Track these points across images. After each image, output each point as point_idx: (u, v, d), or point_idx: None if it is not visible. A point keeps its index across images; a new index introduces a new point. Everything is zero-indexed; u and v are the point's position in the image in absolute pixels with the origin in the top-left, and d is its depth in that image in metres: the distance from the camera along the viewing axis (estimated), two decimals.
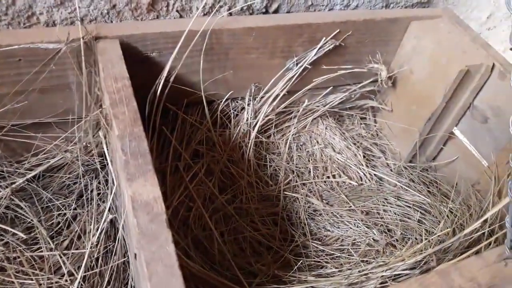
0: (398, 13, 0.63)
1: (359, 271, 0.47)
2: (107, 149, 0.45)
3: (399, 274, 0.46)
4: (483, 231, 0.46)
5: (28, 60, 0.44)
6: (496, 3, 0.74)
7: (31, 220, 0.48)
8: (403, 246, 0.53)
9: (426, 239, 0.51)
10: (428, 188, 0.64)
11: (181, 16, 0.55)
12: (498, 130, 0.57)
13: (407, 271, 0.46)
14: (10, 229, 0.46)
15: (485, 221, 0.48)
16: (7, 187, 0.48)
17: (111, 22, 0.52)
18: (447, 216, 0.56)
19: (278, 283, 0.46)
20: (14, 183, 0.49)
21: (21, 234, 0.46)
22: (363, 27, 0.60)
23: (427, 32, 0.61)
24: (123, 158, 0.36)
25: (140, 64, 0.50)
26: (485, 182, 0.59)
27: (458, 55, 0.58)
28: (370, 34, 0.61)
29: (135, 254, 0.35)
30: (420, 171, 0.66)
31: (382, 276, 0.45)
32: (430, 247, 0.48)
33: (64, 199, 0.51)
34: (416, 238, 0.55)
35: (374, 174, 0.64)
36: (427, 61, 0.61)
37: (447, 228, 0.52)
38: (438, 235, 0.51)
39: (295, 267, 0.49)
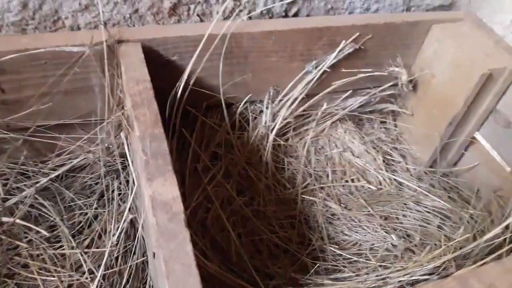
0: (419, 16, 0.62)
1: (376, 276, 0.47)
2: (128, 150, 0.46)
3: (417, 280, 0.46)
4: (504, 237, 0.45)
5: (53, 63, 0.46)
6: None
7: (54, 218, 0.49)
8: (421, 251, 0.52)
9: (445, 244, 0.50)
10: (449, 193, 0.63)
11: (201, 20, 0.56)
12: None
13: (426, 277, 0.45)
14: (34, 227, 0.47)
15: (507, 227, 0.47)
16: (31, 186, 0.50)
17: (134, 26, 0.53)
18: (467, 222, 0.55)
19: (295, 286, 0.46)
20: (38, 182, 0.50)
21: (44, 232, 0.47)
22: (384, 31, 0.59)
23: (449, 35, 0.61)
24: (143, 159, 0.37)
25: (161, 67, 0.51)
26: (507, 188, 0.58)
27: (480, 58, 0.57)
28: (391, 38, 0.61)
29: (154, 253, 0.36)
30: (441, 176, 0.65)
31: (400, 281, 0.45)
32: (449, 252, 0.47)
33: (86, 198, 0.52)
34: (435, 244, 0.54)
35: (394, 179, 0.64)
36: (448, 64, 0.61)
37: (467, 234, 0.51)
38: (458, 241, 0.50)
39: (312, 270, 0.49)
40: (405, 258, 0.52)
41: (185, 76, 0.51)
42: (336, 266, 0.51)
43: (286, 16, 0.60)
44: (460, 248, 0.48)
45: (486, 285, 0.38)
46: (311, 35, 0.56)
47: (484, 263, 0.42)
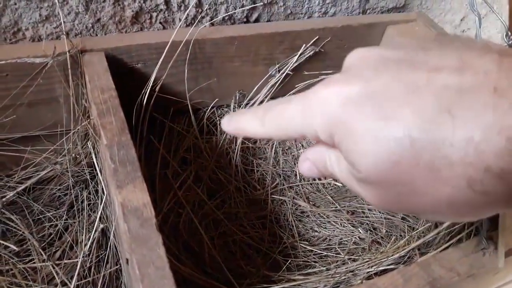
0: (375, 18, 0.65)
1: (346, 268, 0.49)
2: (96, 159, 0.46)
3: (384, 270, 0.48)
4: (463, 224, 0.48)
5: (15, 75, 0.45)
6: (469, 5, 0.77)
7: (23, 232, 0.49)
8: (388, 242, 0.55)
9: (409, 234, 0.53)
10: None
11: (164, 28, 0.57)
12: None
13: (392, 266, 0.48)
14: (2, 242, 0.47)
15: None
16: None
17: (96, 35, 0.53)
18: None
19: (268, 283, 0.47)
20: (4, 196, 0.49)
21: (13, 247, 0.47)
22: (341, 33, 0.62)
23: (403, 35, 0.64)
24: (112, 167, 0.37)
25: (126, 75, 0.52)
26: None
27: None
28: (349, 40, 0.63)
29: (127, 260, 0.36)
30: None
31: (368, 272, 0.47)
32: (413, 242, 0.50)
33: (55, 210, 0.52)
34: (400, 235, 0.56)
35: None
36: None
37: (429, 223, 0.54)
38: (421, 230, 0.53)
39: (284, 267, 0.50)
40: (372, 250, 0.54)
41: (150, 83, 0.51)
42: (307, 261, 0.53)
43: (247, 22, 0.62)
44: (423, 237, 0.51)
45: (447, 269, 0.40)
46: (273, 40, 0.58)
47: (444, 249, 0.45)
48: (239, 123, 0.28)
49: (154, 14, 0.55)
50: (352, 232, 0.57)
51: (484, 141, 0.17)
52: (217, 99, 0.61)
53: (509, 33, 0.36)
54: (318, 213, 0.60)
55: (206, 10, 0.57)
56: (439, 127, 0.17)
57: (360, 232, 0.57)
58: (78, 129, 0.48)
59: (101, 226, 0.48)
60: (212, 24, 0.59)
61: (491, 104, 0.17)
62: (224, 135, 0.62)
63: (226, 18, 0.60)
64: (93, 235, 0.47)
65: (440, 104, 0.18)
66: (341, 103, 0.20)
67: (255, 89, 0.62)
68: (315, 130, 0.22)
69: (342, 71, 0.23)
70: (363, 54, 0.22)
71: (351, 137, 0.20)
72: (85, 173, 0.51)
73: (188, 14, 0.56)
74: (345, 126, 0.20)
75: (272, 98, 0.63)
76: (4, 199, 0.49)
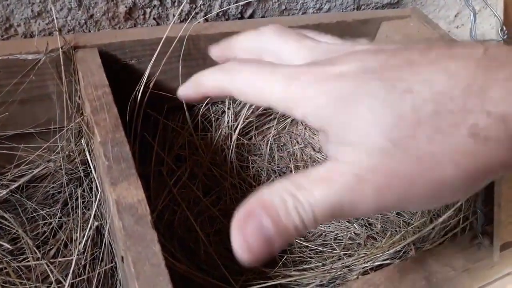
0: (369, 14, 0.65)
1: (341, 264, 0.49)
2: (90, 156, 0.46)
3: (380, 265, 0.48)
4: (458, 218, 0.48)
5: (7, 71, 0.45)
6: (462, 1, 0.78)
7: (17, 230, 0.48)
8: (383, 238, 0.55)
9: (404, 230, 0.53)
10: None
11: (158, 24, 0.56)
12: None
13: (388, 261, 0.48)
14: None
15: (460, 209, 0.50)
16: None
17: (89, 31, 0.53)
18: None
19: (264, 279, 0.47)
20: None
21: (7, 245, 0.46)
22: (336, 29, 0.61)
23: (397, 31, 0.64)
24: (106, 164, 0.37)
25: (120, 72, 0.51)
26: None
27: None
28: (343, 35, 0.63)
29: (122, 257, 0.36)
30: None
31: (364, 267, 0.47)
32: (408, 237, 0.50)
33: (49, 208, 0.51)
34: (395, 230, 0.56)
35: None
36: None
37: (424, 218, 0.54)
38: (416, 225, 0.53)
39: (280, 263, 0.50)
40: (367, 245, 0.54)
41: (144, 79, 0.51)
42: (303, 257, 0.53)
43: (241, 17, 0.61)
44: (419, 232, 0.51)
45: (443, 264, 0.41)
46: None
47: (440, 243, 0.45)
48: (203, 76, 0.27)
49: (148, 10, 0.54)
50: (347, 228, 0.57)
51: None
52: None
53: (504, 28, 0.36)
54: None
55: (200, 5, 0.57)
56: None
57: (356, 228, 0.57)
58: (71, 126, 0.47)
59: (96, 223, 0.47)
60: (206, 20, 0.58)
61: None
62: (219, 131, 0.62)
63: (220, 14, 0.59)
64: (88, 233, 0.47)
65: None
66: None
67: None
68: (298, 116, 0.22)
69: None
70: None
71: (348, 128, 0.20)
72: (79, 171, 0.50)
73: (182, 10, 0.56)
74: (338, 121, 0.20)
75: None
76: None
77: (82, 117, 0.45)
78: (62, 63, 0.45)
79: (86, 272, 0.46)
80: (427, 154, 0.18)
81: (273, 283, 0.46)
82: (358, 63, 0.21)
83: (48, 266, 0.46)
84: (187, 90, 0.27)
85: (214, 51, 0.29)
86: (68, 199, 0.51)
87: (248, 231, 0.19)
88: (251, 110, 0.63)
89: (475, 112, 0.17)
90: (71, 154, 0.50)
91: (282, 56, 0.25)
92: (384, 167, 0.19)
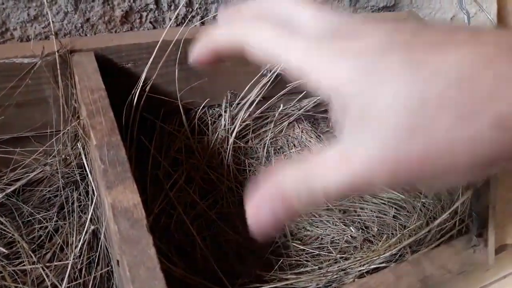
0: (365, 17, 0.65)
1: (338, 267, 0.49)
2: (86, 160, 0.46)
3: (376, 268, 0.48)
4: (454, 221, 0.48)
5: (3, 75, 0.45)
6: (458, 5, 0.78)
7: (12, 234, 0.48)
8: (379, 241, 0.55)
9: (400, 233, 0.53)
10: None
11: (154, 27, 0.56)
12: None
13: (384, 264, 0.48)
14: None
15: (456, 212, 0.50)
16: None
17: (86, 35, 0.53)
18: (420, 210, 0.58)
19: (261, 283, 0.47)
20: None
21: (3, 249, 0.46)
22: None
23: None
24: (101, 167, 0.37)
25: (116, 76, 0.51)
26: None
27: None
28: None
29: (117, 261, 0.36)
30: None
31: (360, 270, 0.47)
32: (404, 240, 0.50)
33: (45, 212, 0.51)
34: (392, 233, 0.56)
35: None
36: None
37: (420, 221, 0.54)
38: (412, 228, 0.53)
39: (276, 267, 0.50)
40: (364, 248, 0.54)
41: (140, 83, 0.51)
42: (300, 261, 0.53)
43: None
44: (415, 235, 0.51)
45: (438, 267, 0.41)
46: None
47: (435, 246, 0.45)
48: (215, 30, 0.25)
49: (144, 14, 0.54)
50: (344, 231, 0.57)
51: None
52: (208, 99, 0.61)
53: None
54: (310, 212, 0.60)
55: (197, 9, 0.57)
56: None
57: (352, 231, 0.57)
58: (67, 130, 0.47)
59: (92, 227, 0.47)
60: (203, 24, 0.59)
61: None
62: (216, 134, 0.62)
63: (217, 17, 0.59)
64: (84, 237, 0.47)
65: None
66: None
67: (246, 88, 0.62)
68: (313, 85, 0.22)
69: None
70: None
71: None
72: (75, 174, 0.50)
73: (178, 14, 0.56)
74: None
75: (264, 97, 0.63)
76: None
77: (78, 120, 0.45)
78: (58, 67, 0.45)
79: (82, 276, 0.46)
80: (445, 140, 0.18)
81: (269, 286, 0.46)
82: (383, 38, 0.20)
83: (44, 270, 0.45)
84: (199, 49, 0.26)
85: (222, 14, 0.28)
86: (64, 203, 0.51)
87: (262, 217, 0.21)
88: (248, 114, 0.63)
89: (500, 100, 0.17)
90: (67, 157, 0.50)
91: (299, 23, 0.24)
92: (400, 151, 0.19)
